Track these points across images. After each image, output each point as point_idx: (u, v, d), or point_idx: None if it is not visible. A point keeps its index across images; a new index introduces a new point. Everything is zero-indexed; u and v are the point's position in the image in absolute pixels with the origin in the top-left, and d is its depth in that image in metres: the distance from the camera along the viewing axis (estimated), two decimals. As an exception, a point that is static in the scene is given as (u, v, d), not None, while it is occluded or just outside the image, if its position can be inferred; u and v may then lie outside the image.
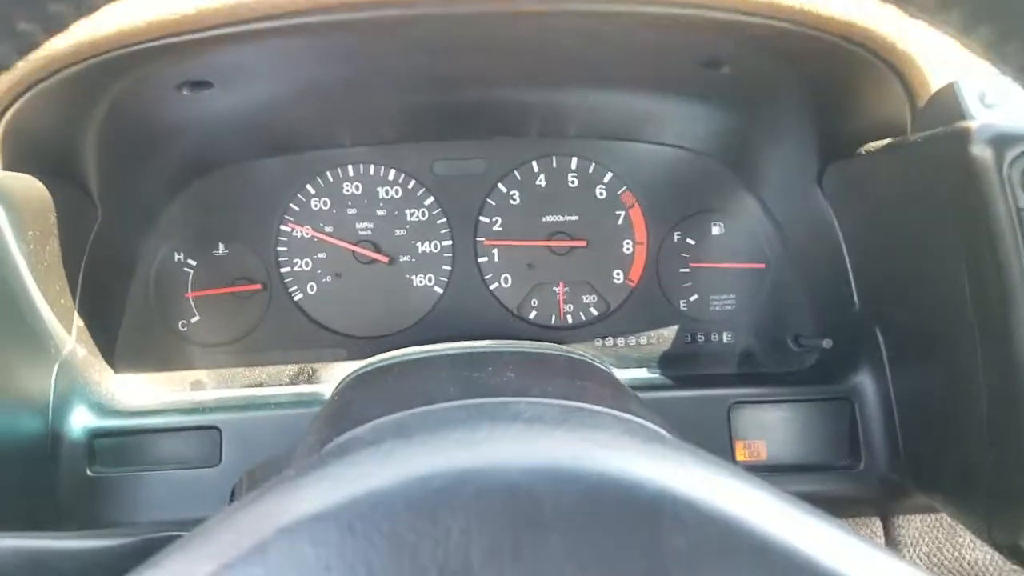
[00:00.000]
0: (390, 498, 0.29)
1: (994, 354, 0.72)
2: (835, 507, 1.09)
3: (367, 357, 0.97)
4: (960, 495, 0.82)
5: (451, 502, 0.29)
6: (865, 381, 0.94)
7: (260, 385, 1.09)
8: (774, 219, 1.12)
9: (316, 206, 1.17)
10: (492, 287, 1.19)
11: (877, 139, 0.89)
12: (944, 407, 0.82)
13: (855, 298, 0.96)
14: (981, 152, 0.69)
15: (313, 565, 0.27)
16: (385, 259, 1.17)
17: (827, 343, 1.00)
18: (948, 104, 0.78)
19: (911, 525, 1.09)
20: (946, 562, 1.08)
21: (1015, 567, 0.77)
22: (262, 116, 1.02)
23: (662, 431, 0.57)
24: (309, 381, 1.11)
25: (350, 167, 1.17)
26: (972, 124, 0.71)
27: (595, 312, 1.19)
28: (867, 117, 0.91)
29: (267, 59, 0.85)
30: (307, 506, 0.29)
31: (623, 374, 1.07)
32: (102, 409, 0.91)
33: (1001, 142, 0.69)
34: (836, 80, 0.87)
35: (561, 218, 1.18)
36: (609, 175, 1.18)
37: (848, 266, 0.96)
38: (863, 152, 0.89)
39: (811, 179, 0.98)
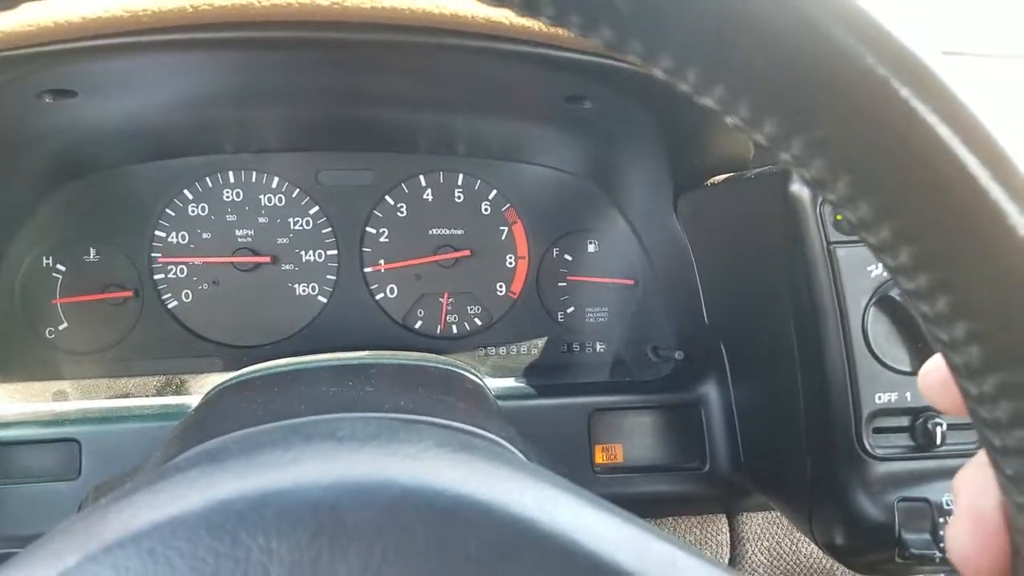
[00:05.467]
0: (190, 522, 0.30)
1: (808, 374, 0.80)
2: (685, 505, 1.18)
3: (243, 367, 0.97)
4: (788, 496, 0.91)
5: (253, 522, 0.30)
6: (711, 391, 1.03)
7: (126, 396, 1.06)
8: (640, 240, 1.20)
9: (193, 211, 1.14)
10: (378, 297, 1.20)
11: (723, 172, 0.98)
12: (772, 418, 0.91)
13: (705, 315, 1.05)
14: (799, 191, 0.77)
15: None
16: (267, 259, 1.15)
17: (679, 355, 1.09)
18: (779, 145, 0.87)
19: (754, 522, 1.20)
20: (785, 555, 1.20)
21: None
22: (134, 124, 0.99)
23: (498, 439, 0.61)
24: (177, 392, 1.08)
25: (231, 173, 1.15)
26: (794, 165, 0.80)
27: (479, 323, 1.23)
28: (715, 153, 0.99)
29: (137, 71, 0.83)
30: (110, 533, 0.30)
31: (498, 383, 1.11)
32: None
33: (815, 183, 0.78)
34: (687, 118, 0.94)
35: (447, 231, 1.21)
36: (494, 192, 1.22)
37: (699, 286, 1.05)
38: (709, 184, 0.97)
39: (668, 206, 1.06)
